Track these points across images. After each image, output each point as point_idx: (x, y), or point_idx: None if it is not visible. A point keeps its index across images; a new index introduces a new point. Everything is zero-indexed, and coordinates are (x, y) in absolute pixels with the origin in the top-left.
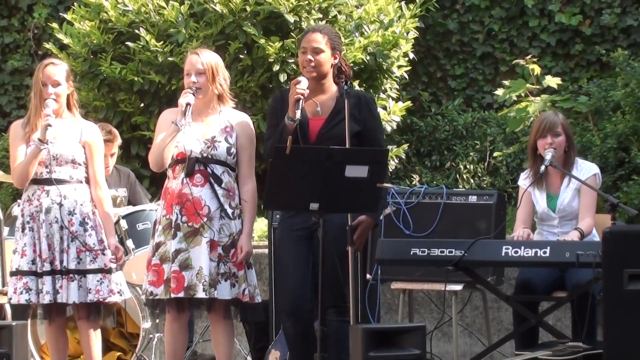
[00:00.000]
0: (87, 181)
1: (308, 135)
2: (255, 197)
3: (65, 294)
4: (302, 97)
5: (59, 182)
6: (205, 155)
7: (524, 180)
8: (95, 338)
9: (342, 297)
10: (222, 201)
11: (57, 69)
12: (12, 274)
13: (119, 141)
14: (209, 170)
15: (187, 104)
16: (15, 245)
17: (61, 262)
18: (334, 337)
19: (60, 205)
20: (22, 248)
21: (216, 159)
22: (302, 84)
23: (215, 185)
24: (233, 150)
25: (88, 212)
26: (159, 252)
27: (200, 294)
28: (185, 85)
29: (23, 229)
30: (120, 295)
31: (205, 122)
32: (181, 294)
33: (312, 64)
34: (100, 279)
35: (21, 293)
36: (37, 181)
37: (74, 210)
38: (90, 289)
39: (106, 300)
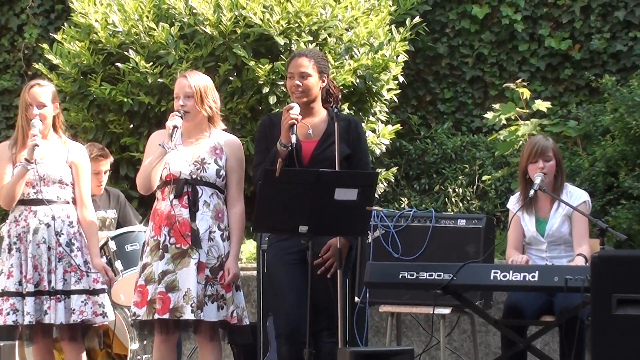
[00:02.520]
0: (74, 202)
1: (301, 158)
2: (243, 220)
3: (53, 315)
4: (295, 123)
5: (46, 202)
6: (194, 177)
7: (514, 204)
8: (78, 359)
9: (336, 319)
10: (210, 223)
11: (43, 90)
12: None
13: (111, 159)
14: (198, 191)
15: (174, 127)
16: (1, 266)
17: (49, 282)
18: (327, 359)
19: (48, 225)
20: (9, 269)
21: (205, 181)
22: (295, 110)
23: (201, 209)
24: (222, 172)
25: (75, 233)
26: (145, 273)
27: (188, 315)
28: (175, 108)
29: (10, 250)
30: (104, 317)
31: (195, 145)
32: (166, 315)
33: (300, 89)
34: (85, 299)
35: (8, 314)
36: (24, 202)
37: (61, 230)
38: (74, 310)
39: (90, 322)
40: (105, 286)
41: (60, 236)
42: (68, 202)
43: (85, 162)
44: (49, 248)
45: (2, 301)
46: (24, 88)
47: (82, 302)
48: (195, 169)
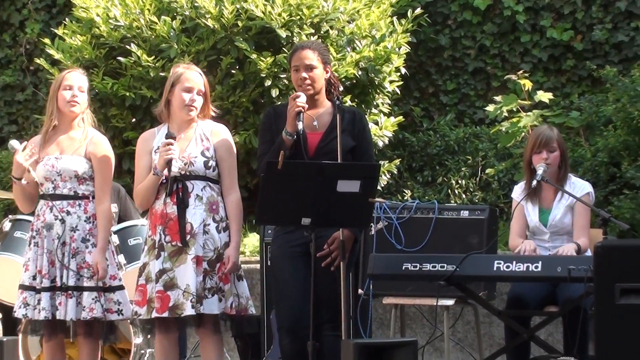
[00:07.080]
0: (94, 196)
1: (306, 150)
2: (240, 207)
3: (63, 311)
4: (302, 111)
5: (63, 197)
6: (182, 172)
7: (518, 194)
8: (93, 355)
9: (339, 312)
10: (204, 217)
11: (82, 77)
12: (19, 287)
13: None
14: (188, 186)
15: (171, 160)
16: (24, 260)
17: (61, 278)
18: (330, 352)
19: (63, 221)
20: (26, 263)
21: (195, 175)
22: (302, 98)
23: (194, 203)
24: (211, 163)
25: (91, 229)
26: (145, 273)
27: (189, 311)
28: (187, 101)
29: (30, 244)
30: (119, 314)
31: (183, 139)
32: (165, 314)
33: (307, 81)
34: (96, 297)
35: (19, 307)
36: (44, 196)
37: (76, 226)
38: (84, 307)
39: (102, 319)
40: (122, 283)
41: (75, 232)
42: (87, 197)
43: (103, 154)
44: (63, 244)
45: (19, 294)
46: (57, 77)
47: (93, 299)
48: (182, 164)
